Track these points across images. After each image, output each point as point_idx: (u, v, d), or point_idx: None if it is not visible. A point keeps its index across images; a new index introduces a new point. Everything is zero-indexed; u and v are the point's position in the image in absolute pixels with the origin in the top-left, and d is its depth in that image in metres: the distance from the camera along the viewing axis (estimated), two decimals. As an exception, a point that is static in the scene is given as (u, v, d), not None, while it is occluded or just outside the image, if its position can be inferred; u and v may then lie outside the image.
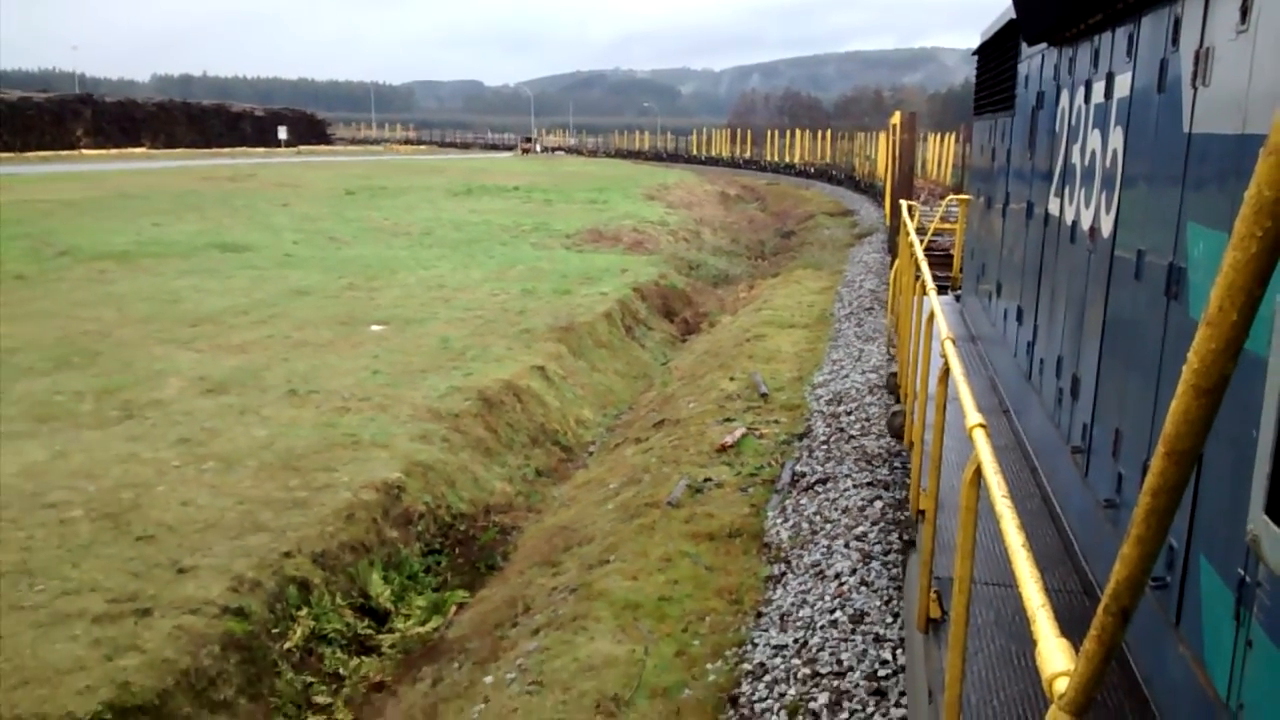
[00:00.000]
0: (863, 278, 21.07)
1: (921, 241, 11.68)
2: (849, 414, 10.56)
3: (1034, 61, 7.52)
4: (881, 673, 5.29)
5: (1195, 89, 3.55)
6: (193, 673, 6.76)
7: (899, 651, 5.50)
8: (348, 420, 11.61)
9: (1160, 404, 3.69)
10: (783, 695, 5.32)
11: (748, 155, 71.00)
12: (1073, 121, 5.92)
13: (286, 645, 7.49)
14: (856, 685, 5.18)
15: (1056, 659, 1.61)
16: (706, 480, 9.30)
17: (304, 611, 7.82)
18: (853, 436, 9.75)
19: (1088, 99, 5.53)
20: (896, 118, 26.44)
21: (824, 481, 8.64)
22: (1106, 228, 4.81)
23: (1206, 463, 3.03)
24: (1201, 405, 1.09)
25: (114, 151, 74.69)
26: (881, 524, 7.31)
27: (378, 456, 10.48)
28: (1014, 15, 7.26)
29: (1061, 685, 1.51)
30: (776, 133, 69.60)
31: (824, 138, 59.38)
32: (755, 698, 5.44)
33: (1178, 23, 3.83)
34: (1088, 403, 4.97)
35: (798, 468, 9.25)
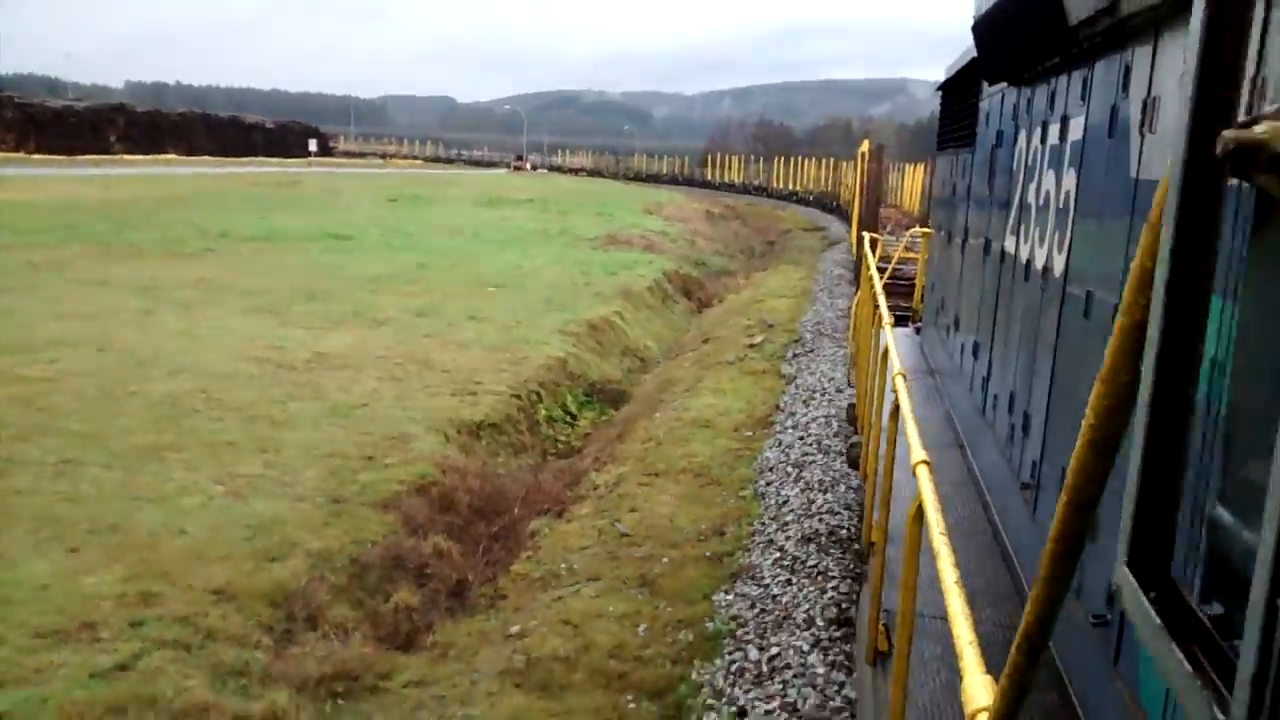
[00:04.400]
0: (832, 269, 28.54)
1: (885, 271, 15.02)
2: (824, 327, 17.95)
3: (995, 100, 7.56)
4: (839, 389, 12.60)
5: (1143, 135, 3.57)
6: (505, 415, 13.91)
7: (847, 380, 12.75)
8: (514, 332, 18.75)
9: None
10: (799, 399, 12.66)
11: (759, 181, 75.86)
12: (1029, 161, 5.98)
13: (537, 416, 14.67)
14: (829, 393, 12.53)
15: (979, 695, 1.70)
16: (744, 356, 16.61)
17: (541, 404, 15.00)
18: (826, 335, 17.15)
19: (1044, 139, 5.57)
20: (864, 147, 32.87)
21: (810, 352, 16.00)
22: (1058, 267, 4.83)
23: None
24: (1098, 460, 1.18)
25: (147, 157, 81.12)
26: (842, 359, 14.62)
27: (543, 348, 17.62)
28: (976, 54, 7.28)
29: None
30: (782, 160, 75.49)
31: (823, 165, 65.59)
32: (787, 405, 12.76)
33: (1128, 70, 3.89)
34: (1037, 439, 4.96)
35: (795, 349, 16.59)
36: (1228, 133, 1.13)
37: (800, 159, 71.89)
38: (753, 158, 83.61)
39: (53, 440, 10.82)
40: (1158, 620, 1.21)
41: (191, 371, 13.99)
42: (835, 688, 5.31)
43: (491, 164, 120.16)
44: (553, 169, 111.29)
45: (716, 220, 59.47)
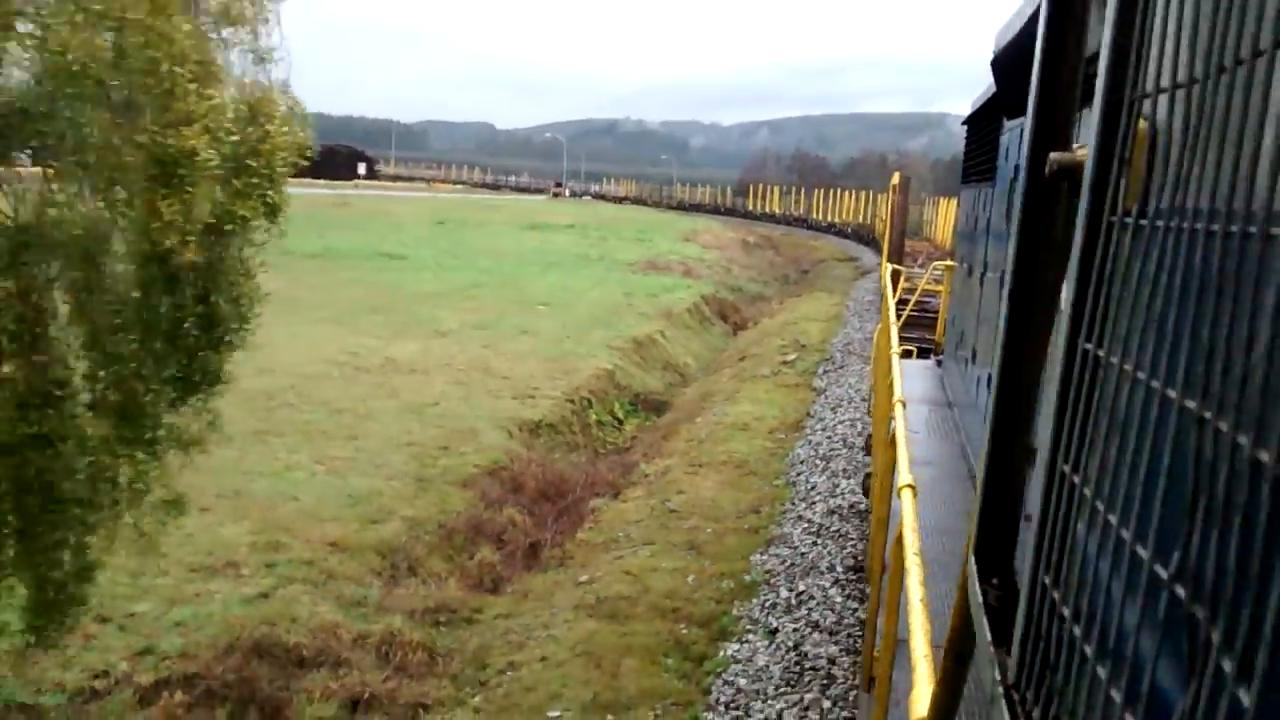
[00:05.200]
0: (864, 296, 29.84)
1: (909, 303, 15.73)
2: (854, 347, 19.28)
3: (1014, 134, 7.58)
4: (864, 398, 13.92)
5: None
6: (560, 417, 15.32)
7: (868, 395, 14.06)
8: (564, 345, 20.21)
9: None
10: (828, 407, 13.99)
11: (800, 212, 75.90)
12: None
13: (588, 419, 16.08)
14: (855, 402, 13.84)
15: (921, 705, 1.76)
16: (778, 371, 17.97)
17: (591, 409, 16.41)
18: (855, 354, 18.47)
19: None
20: (896, 179, 34.15)
21: (840, 368, 17.34)
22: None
23: None
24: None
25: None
26: (869, 375, 15.93)
27: (591, 360, 19.05)
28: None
29: None
30: (822, 192, 75.81)
31: (860, 198, 66.42)
32: (817, 412, 14.09)
33: None
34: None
35: (825, 367, 17.93)
36: (1054, 155, 1.25)
37: (839, 191, 72.57)
38: (792, 189, 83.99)
39: (169, 424, 12.36)
40: (980, 600, 1.32)
41: (279, 371, 15.52)
42: (850, 611, 6.64)
43: (539, 190, 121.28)
44: (597, 196, 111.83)
45: (752, 249, 60.83)
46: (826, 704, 5.63)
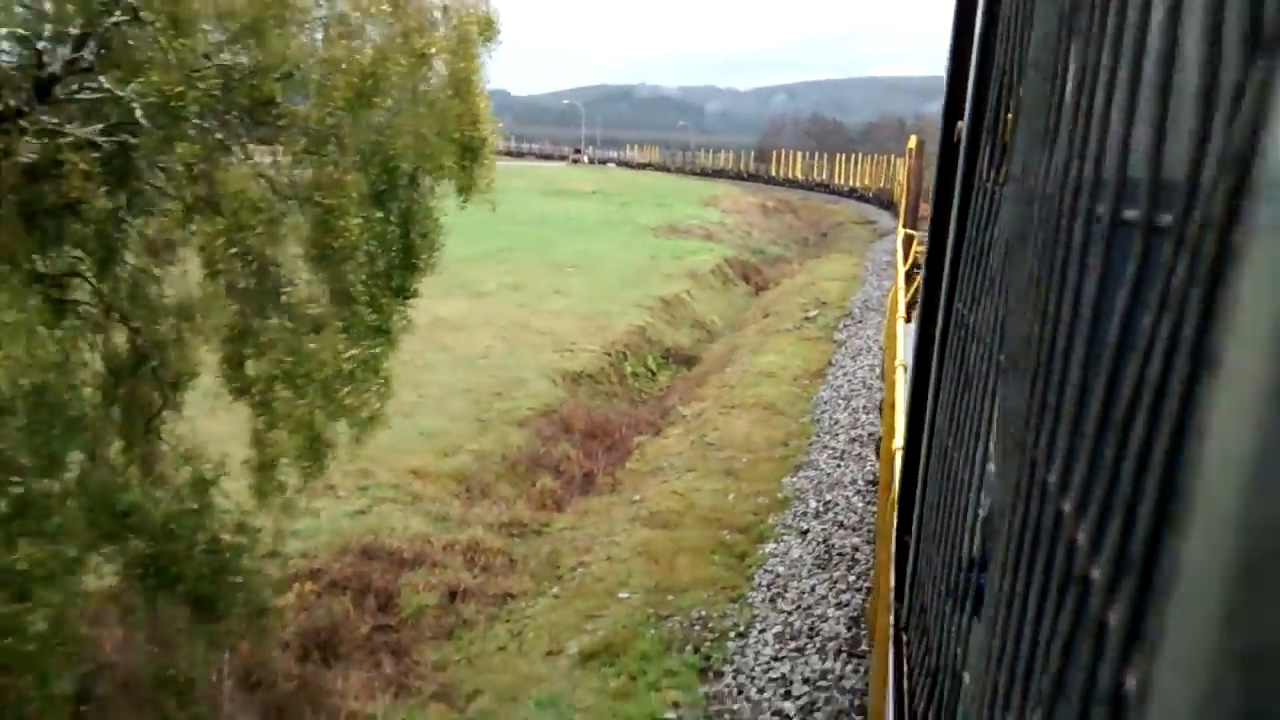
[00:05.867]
0: (881, 257, 30.87)
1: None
2: (871, 303, 20.39)
3: None
4: (882, 348, 15.04)
5: None
6: (599, 368, 16.51)
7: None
8: (596, 304, 21.36)
9: None
10: (848, 356, 15.13)
11: (822, 177, 75.90)
12: None
13: (624, 371, 17.27)
14: (874, 351, 14.97)
15: None
16: (800, 325, 19.09)
17: (626, 361, 17.60)
18: (873, 310, 19.58)
19: None
20: (913, 142, 34.73)
21: (859, 322, 18.45)
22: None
23: None
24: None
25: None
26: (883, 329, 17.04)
27: (623, 317, 20.21)
28: None
29: None
30: (843, 156, 75.77)
31: (879, 162, 66.65)
32: (838, 361, 15.23)
33: None
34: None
35: (845, 321, 19.04)
36: (960, 122, 1.41)
37: (858, 156, 72.65)
38: (814, 155, 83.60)
39: (248, 374, 13.62)
40: (892, 551, 1.41)
41: (338, 328, 16.76)
42: (871, 513, 7.84)
43: (561, 157, 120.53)
44: (621, 164, 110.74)
45: (771, 213, 61.56)
46: (852, 578, 6.85)
